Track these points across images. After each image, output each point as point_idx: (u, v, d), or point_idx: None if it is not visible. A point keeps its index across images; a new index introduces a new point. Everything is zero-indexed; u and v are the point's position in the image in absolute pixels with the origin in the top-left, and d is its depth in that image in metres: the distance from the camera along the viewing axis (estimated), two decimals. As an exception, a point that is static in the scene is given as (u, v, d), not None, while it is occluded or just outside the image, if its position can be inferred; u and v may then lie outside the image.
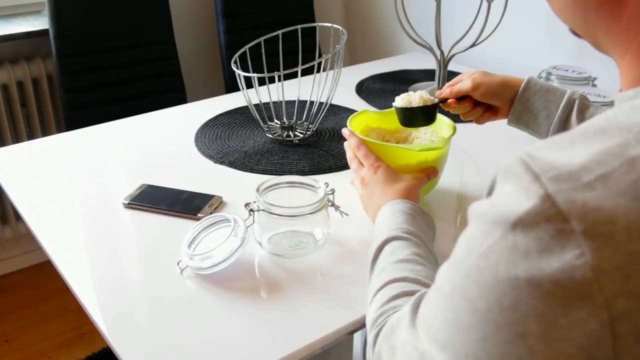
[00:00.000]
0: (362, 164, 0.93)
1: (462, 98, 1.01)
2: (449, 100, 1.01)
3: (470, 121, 1.06)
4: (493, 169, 1.15)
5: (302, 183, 0.91)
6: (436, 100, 1.00)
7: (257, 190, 0.86)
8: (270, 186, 0.89)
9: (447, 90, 1.01)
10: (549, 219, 0.39)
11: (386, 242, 0.74)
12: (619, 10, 0.48)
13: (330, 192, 0.87)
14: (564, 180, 0.39)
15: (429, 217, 0.83)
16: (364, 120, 1.06)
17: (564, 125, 0.93)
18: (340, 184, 1.01)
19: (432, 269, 0.69)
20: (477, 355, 0.42)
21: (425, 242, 0.75)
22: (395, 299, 0.63)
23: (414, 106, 0.98)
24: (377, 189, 0.88)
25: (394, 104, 1.01)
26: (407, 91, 1.55)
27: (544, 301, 0.38)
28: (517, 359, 0.40)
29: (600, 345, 0.38)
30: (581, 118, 0.93)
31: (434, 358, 0.46)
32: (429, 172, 0.92)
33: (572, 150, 0.42)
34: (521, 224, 0.40)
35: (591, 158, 0.40)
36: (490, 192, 0.47)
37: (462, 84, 1.00)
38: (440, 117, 1.04)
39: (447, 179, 1.10)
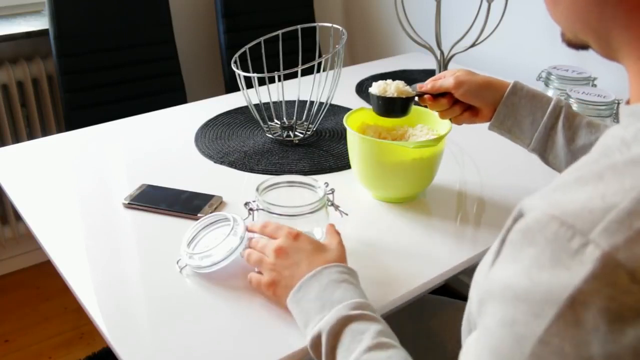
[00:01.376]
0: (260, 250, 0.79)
1: (442, 95, 0.96)
2: (425, 96, 0.97)
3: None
4: (493, 169, 1.15)
5: (301, 183, 0.90)
6: (413, 93, 0.98)
7: (257, 189, 0.86)
8: (270, 186, 0.89)
9: (428, 84, 0.98)
10: (615, 284, 0.34)
11: (341, 324, 0.65)
12: None
13: (330, 191, 0.87)
14: (616, 230, 0.35)
15: (355, 273, 0.74)
16: (361, 118, 1.06)
17: (549, 132, 0.89)
18: (340, 184, 1.01)
19: (399, 346, 0.63)
20: None
21: (373, 309, 0.68)
22: None
23: (389, 96, 0.96)
24: (302, 258, 0.73)
25: (370, 89, 0.99)
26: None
27: None
28: None
29: None
30: (567, 126, 0.88)
31: None
32: (333, 229, 0.82)
33: (603, 186, 0.37)
34: (581, 295, 0.35)
35: (636, 198, 0.36)
36: (499, 253, 0.42)
37: (444, 80, 0.96)
38: (436, 114, 1.04)
39: (447, 179, 1.10)
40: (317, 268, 0.71)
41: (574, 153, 0.87)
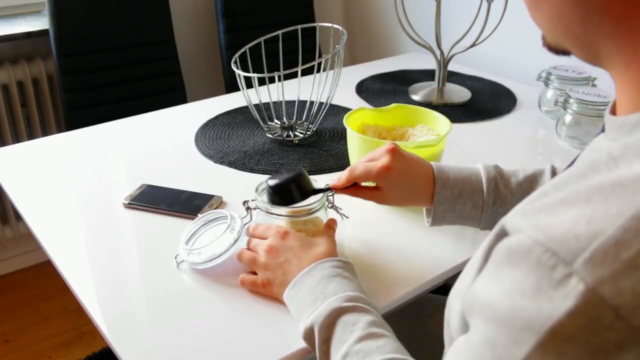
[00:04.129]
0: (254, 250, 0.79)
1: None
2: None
3: (471, 121, 1.05)
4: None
5: None
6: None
7: (256, 190, 0.86)
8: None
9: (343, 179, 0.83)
10: (598, 319, 0.33)
11: (333, 317, 0.65)
12: (631, 10, 0.41)
13: (331, 193, 0.86)
14: (602, 262, 0.34)
15: (350, 265, 0.74)
16: (361, 118, 1.06)
17: (494, 208, 0.81)
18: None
19: (391, 336, 0.64)
20: None
21: (369, 302, 0.68)
22: None
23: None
24: (292, 255, 0.74)
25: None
26: (407, 91, 1.56)
27: None
28: None
29: None
30: (510, 193, 0.81)
31: None
32: (331, 224, 0.82)
33: (589, 209, 0.36)
34: (562, 328, 0.34)
35: (624, 226, 0.34)
36: (482, 267, 0.42)
37: (370, 166, 0.80)
38: (436, 114, 1.05)
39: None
40: (311, 265, 0.72)
41: None
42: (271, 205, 0.82)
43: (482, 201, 0.81)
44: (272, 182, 0.80)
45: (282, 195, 0.80)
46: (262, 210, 0.83)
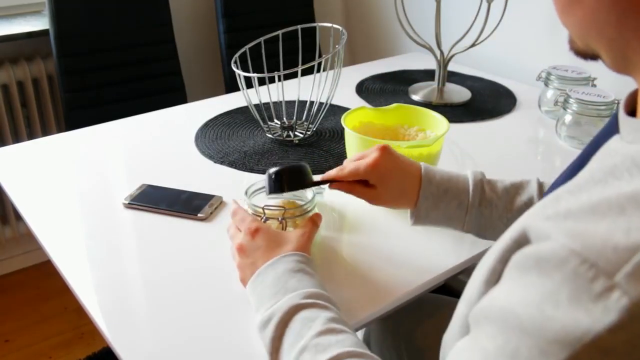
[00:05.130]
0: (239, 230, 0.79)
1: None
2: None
3: (471, 121, 1.05)
4: (493, 169, 1.15)
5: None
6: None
7: (245, 192, 0.86)
8: (260, 189, 0.90)
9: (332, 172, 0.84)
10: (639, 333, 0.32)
11: (291, 312, 0.64)
12: None
13: (320, 190, 0.85)
14: None
15: (312, 263, 0.74)
16: (359, 117, 1.07)
17: (479, 209, 0.81)
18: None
19: (351, 332, 0.63)
20: None
21: (329, 299, 0.67)
22: None
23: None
24: (259, 257, 0.73)
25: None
26: (407, 91, 1.56)
27: None
28: None
29: None
30: (497, 196, 0.81)
31: None
32: (315, 219, 0.81)
33: (625, 220, 0.35)
34: (601, 342, 0.33)
35: None
36: (499, 273, 0.41)
37: (359, 164, 0.82)
38: (434, 114, 1.05)
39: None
40: (274, 258, 0.71)
41: (511, 219, 0.80)
42: (268, 193, 0.82)
43: (468, 201, 0.81)
44: (273, 169, 0.81)
45: (279, 180, 0.80)
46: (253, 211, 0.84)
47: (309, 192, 0.88)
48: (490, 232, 0.83)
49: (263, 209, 0.83)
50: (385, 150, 0.81)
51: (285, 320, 0.64)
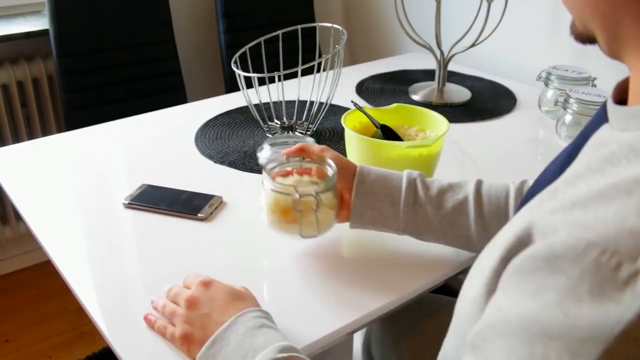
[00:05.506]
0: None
1: None
2: None
3: (471, 121, 1.05)
4: (493, 169, 1.15)
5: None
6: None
7: (265, 170, 0.81)
8: (282, 163, 0.85)
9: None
10: None
11: None
12: None
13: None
14: None
15: (269, 314, 0.70)
16: (359, 117, 1.07)
17: (412, 207, 0.80)
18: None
19: None
20: None
21: (299, 351, 0.63)
22: None
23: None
24: (215, 307, 0.67)
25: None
26: (407, 91, 1.56)
27: None
28: None
29: None
30: (429, 195, 0.80)
31: None
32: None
33: (634, 201, 0.35)
34: (634, 330, 0.32)
35: None
36: (500, 280, 0.40)
37: (311, 146, 0.84)
38: (434, 114, 1.05)
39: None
40: (230, 318, 0.65)
41: (446, 217, 0.80)
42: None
43: (401, 199, 0.80)
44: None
45: None
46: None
47: (328, 167, 0.82)
48: (427, 232, 0.81)
49: (295, 188, 0.76)
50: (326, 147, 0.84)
51: None
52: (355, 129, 1.02)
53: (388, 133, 1.05)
